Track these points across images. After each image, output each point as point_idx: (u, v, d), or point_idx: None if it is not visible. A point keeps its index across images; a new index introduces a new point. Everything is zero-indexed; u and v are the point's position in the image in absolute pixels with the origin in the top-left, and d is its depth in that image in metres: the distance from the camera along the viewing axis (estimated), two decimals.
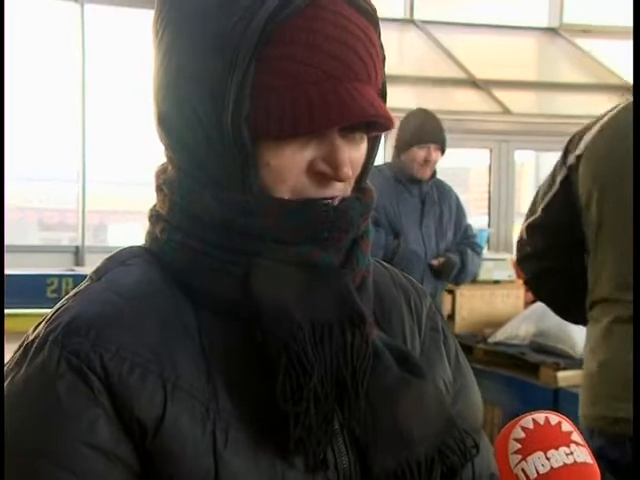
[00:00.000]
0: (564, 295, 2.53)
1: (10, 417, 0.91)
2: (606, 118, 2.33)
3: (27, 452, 0.90)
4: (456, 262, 4.33)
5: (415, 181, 4.30)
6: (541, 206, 2.43)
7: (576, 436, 0.93)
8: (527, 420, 0.93)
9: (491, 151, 6.63)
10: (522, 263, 2.58)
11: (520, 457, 0.91)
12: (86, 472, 0.89)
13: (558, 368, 4.22)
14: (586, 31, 7.95)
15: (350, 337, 0.96)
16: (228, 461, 0.92)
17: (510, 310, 5.17)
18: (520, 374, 4.45)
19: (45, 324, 0.95)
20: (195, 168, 0.98)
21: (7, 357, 1.00)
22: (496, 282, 5.31)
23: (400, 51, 7.39)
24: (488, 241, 6.20)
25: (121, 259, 1.02)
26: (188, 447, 0.91)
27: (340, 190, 0.98)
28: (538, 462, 0.90)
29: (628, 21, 6.99)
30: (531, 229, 2.48)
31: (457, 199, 4.51)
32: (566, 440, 0.91)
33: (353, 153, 0.98)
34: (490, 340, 4.86)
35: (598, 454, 2.19)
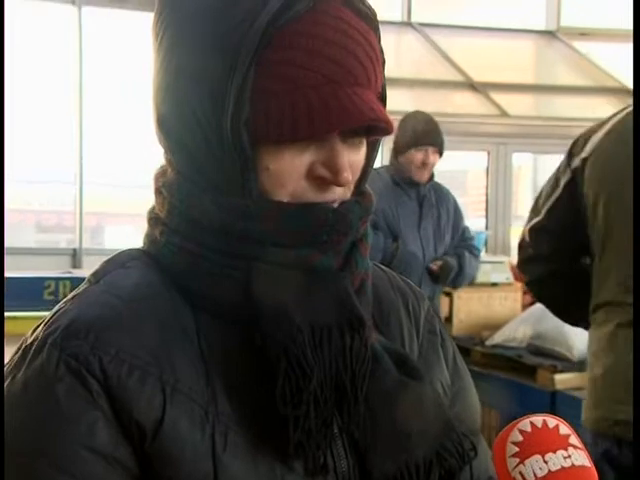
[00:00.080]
0: (566, 298, 2.53)
1: (10, 418, 0.91)
2: (613, 121, 2.33)
3: (27, 452, 0.90)
4: (453, 265, 4.33)
5: (413, 184, 4.30)
6: (544, 208, 2.43)
7: (574, 439, 0.92)
8: (525, 423, 0.93)
9: (489, 154, 6.63)
10: (524, 265, 2.58)
11: (518, 460, 0.91)
12: (85, 475, 0.89)
13: (555, 371, 4.22)
14: (584, 34, 7.96)
15: (349, 340, 0.96)
16: (227, 464, 0.92)
17: (507, 312, 5.17)
18: (517, 377, 4.45)
19: (44, 327, 0.95)
20: (194, 171, 0.97)
21: (5, 359, 1.00)
22: (494, 284, 5.31)
23: (398, 54, 7.39)
24: (486, 244, 6.21)
25: (120, 262, 1.02)
26: (187, 450, 0.91)
27: (340, 194, 0.98)
28: (536, 465, 0.90)
29: (626, 24, 7.01)
30: (534, 232, 2.47)
31: (455, 202, 4.52)
32: (564, 443, 0.91)
33: (353, 157, 0.98)
34: (487, 343, 4.86)
35: (604, 457, 2.19)
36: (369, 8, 0.98)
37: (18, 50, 6.26)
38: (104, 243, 7.48)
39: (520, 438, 0.92)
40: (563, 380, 4.19)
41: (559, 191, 2.40)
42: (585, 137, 2.37)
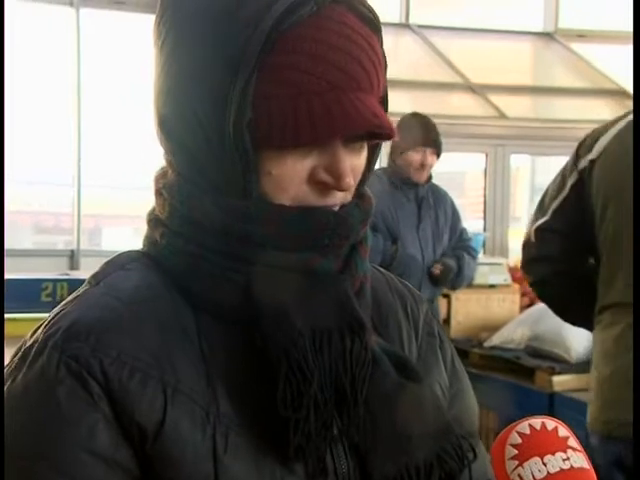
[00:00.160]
0: (570, 299, 2.53)
1: (10, 421, 0.91)
2: (623, 123, 2.32)
3: (27, 455, 0.90)
4: (453, 268, 4.34)
5: (411, 185, 4.30)
6: (551, 209, 2.43)
7: (573, 441, 0.92)
8: (523, 425, 0.93)
9: (487, 155, 6.64)
10: (528, 265, 2.58)
11: (517, 463, 0.91)
12: (86, 479, 0.89)
13: (553, 372, 4.22)
14: (581, 36, 7.97)
15: (349, 344, 0.96)
16: (228, 466, 0.91)
17: (506, 314, 5.17)
18: (515, 378, 4.45)
19: (44, 329, 0.95)
20: (195, 173, 0.97)
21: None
22: (492, 286, 5.31)
23: (396, 55, 7.38)
24: (484, 245, 6.21)
25: (119, 263, 1.02)
26: (188, 452, 0.91)
27: (340, 198, 0.98)
28: (535, 468, 0.90)
29: (623, 26, 7.02)
30: (540, 232, 2.47)
31: (452, 203, 4.52)
32: (563, 445, 0.91)
33: (354, 161, 0.98)
34: (486, 344, 4.86)
35: (613, 460, 2.19)
36: (372, 12, 0.98)
37: (16, 52, 6.25)
38: (102, 245, 7.48)
39: (519, 440, 0.92)
40: (561, 382, 4.19)
41: (566, 191, 2.40)
42: (592, 138, 2.37)
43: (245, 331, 0.95)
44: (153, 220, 1.03)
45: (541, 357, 4.46)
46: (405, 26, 7.56)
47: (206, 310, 0.97)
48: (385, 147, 4.55)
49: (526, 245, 2.55)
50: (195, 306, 0.97)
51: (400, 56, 7.41)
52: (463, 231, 4.56)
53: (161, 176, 1.03)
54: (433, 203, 4.40)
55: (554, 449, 0.91)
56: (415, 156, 4.23)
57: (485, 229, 6.55)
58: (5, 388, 0.93)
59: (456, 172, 7.66)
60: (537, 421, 0.93)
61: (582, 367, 4.24)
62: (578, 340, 4.35)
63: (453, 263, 4.35)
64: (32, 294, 5.07)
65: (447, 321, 5.10)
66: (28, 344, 0.95)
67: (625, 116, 2.36)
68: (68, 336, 0.92)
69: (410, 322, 1.15)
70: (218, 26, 0.93)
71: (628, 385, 2.17)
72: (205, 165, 0.96)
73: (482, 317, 5.17)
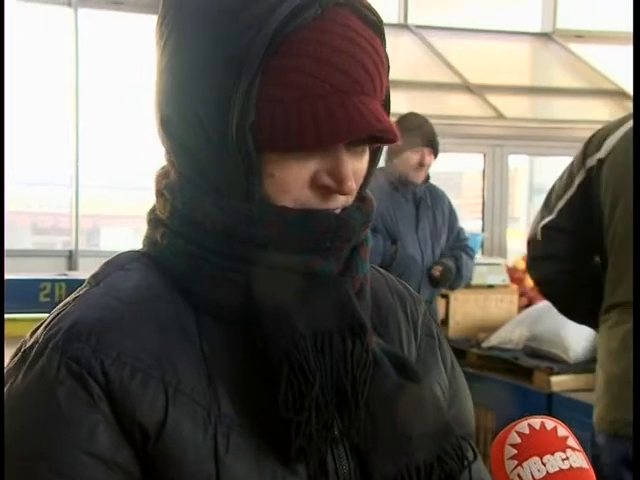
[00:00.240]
0: (576, 297, 2.54)
1: (10, 421, 0.91)
2: (631, 122, 2.32)
3: (27, 456, 0.89)
4: (453, 269, 4.34)
5: (409, 186, 4.30)
6: (557, 207, 2.43)
7: (572, 441, 0.93)
8: (523, 425, 0.93)
9: (485, 156, 6.63)
10: (534, 264, 2.58)
11: (516, 462, 0.91)
12: None
13: (552, 373, 4.22)
14: (579, 36, 7.96)
15: (350, 345, 0.96)
16: (229, 466, 0.92)
17: (504, 314, 5.17)
18: (514, 379, 4.45)
19: (44, 329, 0.95)
20: (196, 174, 0.97)
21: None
22: (490, 287, 5.31)
23: (394, 56, 7.32)
24: (482, 246, 6.21)
25: (119, 264, 1.02)
26: (189, 452, 0.91)
27: (342, 201, 0.98)
28: (534, 467, 0.90)
29: (621, 26, 7.01)
30: (547, 230, 2.48)
31: (449, 203, 4.52)
32: (562, 445, 0.91)
33: (356, 165, 0.98)
34: (484, 345, 4.86)
35: (621, 459, 2.19)
36: (375, 15, 0.98)
37: (14, 52, 6.25)
38: (100, 245, 7.48)
39: (518, 440, 0.92)
40: (559, 382, 4.19)
41: (573, 190, 2.40)
42: (600, 137, 2.37)
43: (246, 332, 0.95)
44: (153, 220, 1.03)
45: (539, 357, 4.46)
46: (403, 26, 7.56)
47: (206, 311, 0.97)
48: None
49: (531, 243, 2.55)
50: (195, 306, 0.97)
51: (398, 56, 7.41)
52: (460, 231, 4.56)
53: (162, 176, 1.03)
54: (431, 203, 4.40)
55: (553, 449, 0.91)
56: (413, 156, 4.23)
57: (483, 229, 6.55)
58: (5, 388, 0.93)
59: (454, 172, 7.66)
60: (536, 421, 0.93)
61: (580, 367, 4.26)
62: (576, 340, 4.35)
63: (452, 264, 4.35)
64: (30, 294, 5.06)
65: (445, 321, 5.10)
66: (28, 344, 0.95)
67: (631, 116, 2.36)
68: (69, 337, 0.92)
69: (409, 323, 1.15)
70: (221, 27, 0.92)
71: (632, 384, 2.17)
72: (206, 166, 0.96)
73: (480, 317, 5.17)
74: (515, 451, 0.91)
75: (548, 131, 6.50)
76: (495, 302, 5.25)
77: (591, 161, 2.36)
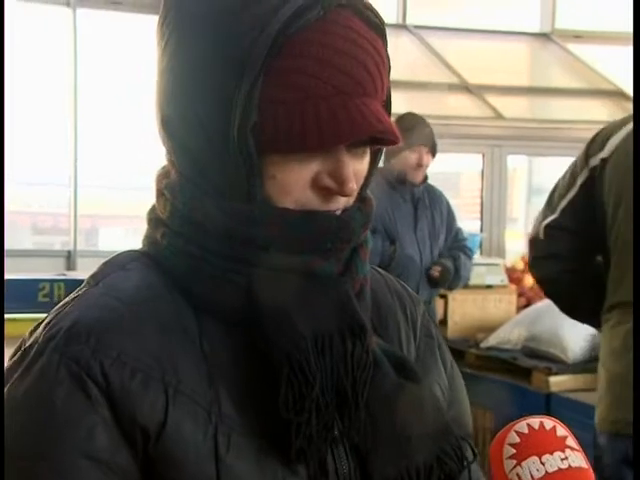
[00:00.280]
0: (578, 296, 2.54)
1: (10, 421, 0.91)
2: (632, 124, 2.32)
3: (27, 456, 0.89)
4: (451, 269, 4.34)
5: (407, 186, 4.30)
6: (560, 207, 2.44)
7: (571, 441, 0.93)
8: (522, 425, 0.93)
9: (483, 156, 6.63)
10: (536, 263, 2.58)
11: (515, 462, 0.91)
12: None
13: (550, 373, 4.23)
14: (578, 36, 7.97)
15: (351, 347, 0.96)
16: (230, 465, 0.92)
17: (502, 315, 5.17)
18: (512, 379, 4.45)
19: (43, 329, 0.95)
20: (197, 174, 0.97)
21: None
22: (488, 287, 5.31)
23: (393, 56, 7.34)
24: (480, 246, 6.21)
25: (119, 263, 1.01)
26: (190, 452, 0.91)
27: (343, 202, 0.98)
28: (533, 467, 0.90)
29: (620, 27, 7.00)
30: (549, 229, 2.48)
31: (447, 204, 4.52)
32: (561, 445, 0.92)
33: (357, 166, 0.98)
34: (482, 345, 4.86)
35: (623, 459, 2.19)
36: (377, 16, 0.98)
37: (12, 52, 6.25)
38: (98, 245, 7.47)
39: (517, 440, 0.92)
40: (558, 382, 4.19)
41: (576, 189, 2.40)
42: (603, 137, 2.37)
43: (246, 332, 0.95)
44: (154, 220, 1.03)
45: (538, 357, 4.46)
46: (402, 27, 7.56)
47: (207, 311, 0.97)
48: None
49: (534, 242, 2.55)
50: (196, 307, 0.97)
51: (397, 56, 7.40)
52: (459, 231, 4.56)
53: (163, 176, 1.03)
54: (429, 203, 4.40)
55: (552, 448, 0.91)
56: (411, 156, 4.22)
57: (482, 230, 6.55)
58: (5, 389, 0.93)
59: (453, 173, 7.66)
60: (535, 420, 0.93)
61: (579, 367, 4.26)
62: (575, 340, 4.35)
63: (450, 264, 4.35)
64: (29, 294, 5.06)
65: (444, 321, 5.09)
66: (28, 344, 0.95)
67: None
68: (69, 337, 0.92)
69: (409, 323, 1.15)
70: (223, 28, 0.92)
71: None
72: (207, 167, 0.96)
73: (479, 318, 5.17)
74: (514, 450, 0.91)
75: (547, 131, 6.50)
76: (493, 302, 5.25)
77: (594, 160, 2.36)
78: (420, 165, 4.26)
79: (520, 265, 5.74)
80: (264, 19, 0.91)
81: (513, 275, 5.58)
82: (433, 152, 4.30)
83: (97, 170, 7.00)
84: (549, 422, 0.94)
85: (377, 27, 0.98)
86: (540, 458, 0.90)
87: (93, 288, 0.99)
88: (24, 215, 7.46)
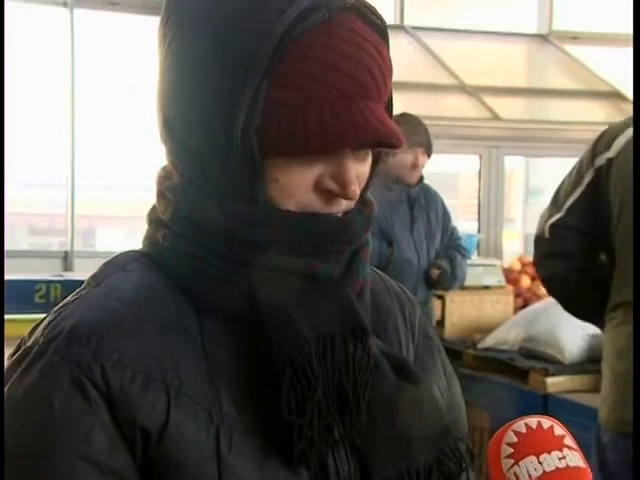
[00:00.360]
0: (583, 295, 2.54)
1: (10, 421, 0.91)
2: None
3: (27, 455, 0.89)
4: (449, 271, 4.34)
5: (403, 187, 4.30)
6: (566, 205, 2.44)
7: (569, 440, 0.93)
8: (519, 424, 0.93)
9: (481, 157, 6.64)
10: (541, 262, 2.58)
11: (512, 461, 0.91)
12: None
13: (547, 374, 4.22)
14: (575, 38, 7.97)
15: (352, 349, 0.96)
16: (232, 465, 0.92)
17: (499, 316, 5.17)
18: (509, 380, 4.45)
19: (44, 330, 0.95)
20: (199, 175, 0.97)
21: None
22: (486, 288, 5.31)
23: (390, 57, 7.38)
24: (478, 247, 6.21)
25: (119, 264, 1.01)
26: (192, 453, 0.91)
27: (345, 205, 0.98)
28: (530, 466, 0.90)
29: (617, 28, 7.01)
30: (555, 228, 2.48)
31: (442, 203, 4.51)
32: (558, 444, 0.92)
33: (359, 169, 0.98)
34: (479, 346, 4.86)
35: (627, 457, 2.19)
36: (380, 19, 0.98)
37: (9, 52, 6.25)
38: (95, 246, 7.47)
39: (515, 439, 0.92)
40: (555, 383, 4.19)
41: (582, 188, 2.41)
42: (609, 137, 2.37)
43: (247, 333, 0.95)
44: (154, 221, 1.02)
45: (535, 358, 4.46)
46: (399, 27, 7.56)
47: (207, 311, 0.97)
48: None
49: (539, 241, 2.55)
50: (196, 307, 0.97)
51: (394, 57, 7.39)
52: (454, 230, 4.56)
53: (164, 177, 1.02)
54: (425, 204, 4.39)
55: (550, 448, 0.91)
56: (407, 157, 4.21)
57: (479, 231, 6.55)
58: (5, 389, 0.93)
59: (450, 174, 7.67)
60: (533, 420, 0.93)
61: (576, 368, 4.25)
62: (572, 341, 4.35)
63: (447, 265, 4.35)
64: (26, 295, 5.06)
65: (441, 322, 5.09)
66: (28, 344, 0.95)
67: None
68: (70, 339, 0.92)
69: (407, 325, 1.15)
70: (226, 29, 0.92)
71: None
72: (209, 169, 0.96)
73: (476, 318, 5.17)
74: (512, 450, 0.91)
75: (544, 132, 6.51)
76: (491, 303, 5.25)
77: (600, 160, 2.37)
78: (416, 166, 4.25)
79: (517, 266, 5.74)
80: (269, 22, 0.91)
81: (510, 276, 5.58)
82: (429, 153, 4.29)
83: (94, 171, 6.99)
84: (547, 421, 0.94)
85: (380, 30, 0.98)
86: (538, 457, 0.90)
87: (94, 289, 0.99)
88: (21, 216, 7.46)
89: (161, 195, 1.02)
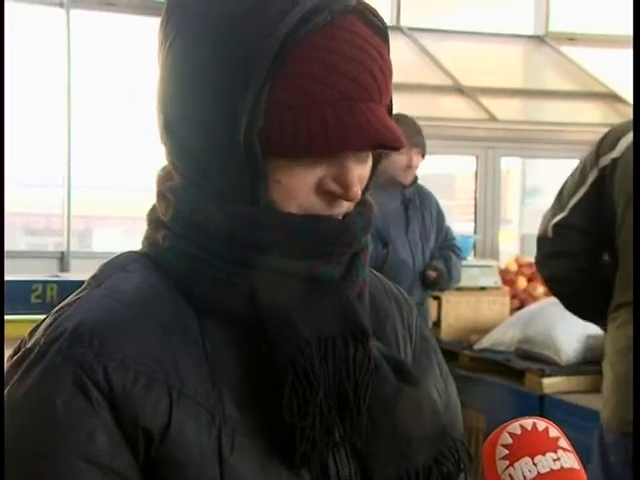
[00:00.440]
0: (586, 295, 2.54)
1: (10, 422, 0.90)
2: None
3: (28, 456, 0.89)
4: (445, 272, 4.33)
5: (398, 188, 4.29)
6: (569, 205, 2.44)
7: (563, 442, 0.93)
8: (514, 426, 0.93)
9: (477, 158, 6.64)
10: (544, 261, 2.58)
11: (507, 463, 0.91)
12: None
13: (543, 375, 4.23)
14: (572, 39, 7.98)
15: (353, 351, 0.96)
16: (234, 466, 0.92)
17: (496, 316, 5.17)
18: (506, 380, 4.45)
19: (45, 331, 0.94)
20: (199, 176, 0.97)
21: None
22: (482, 288, 5.31)
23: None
24: (474, 248, 6.22)
25: (119, 265, 1.01)
26: (194, 454, 0.91)
27: (346, 207, 0.98)
28: (525, 468, 0.90)
29: (614, 29, 7.02)
30: (558, 228, 2.48)
31: (437, 203, 4.51)
32: (553, 446, 0.92)
33: (360, 170, 0.98)
34: (476, 346, 4.86)
35: (626, 455, 2.20)
36: (381, 21, 0.98)
37: (6, 53, 6.24)
38: (92, 246, 7.46)
39: (510, 441, 0.92)
40: (551, 384, 4.19)
41: (585, 188, 2.41)
42: (614, 137, 2.37)
43: (248, 334, 0.95)
44: (154, 221, 1.02)
45: (531, 359, 4.46)
46: (396, 28, 7.56)
47: (208, 312, 0.97)
48: None
49: (542, 241, 2.55)
50: (197, 308, 0.97)
51: (391, 58, 7.41)
52: (448, 230, 4.56)
53: (164, 178, 1.02)
54: (419, 204, 4.39)
55: (545, 449, 0.91)
56: (401, 158, 4.19)
57: (476, 231, 6.55)
58: (5, 390, 0.93)
59: (446, 175, 7.67)
60: (528, 421, 0.93)
61: (572, 369, 4.26)
62: (568, 342, 4.35)
63: (443, 266, 4.34)
64: (22, 295, 5.06)
65: (438, 323, 5.10)
66: (28, 346, 0.95)
67: None
68: (72, 340, 0.91)
69: (405, 327, 1.15)
70: (229, 30, 0.92)
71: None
72: (209, 169, 0.96)
73: (472, 319, 5.17)
74: (507, 451, 0.92)
75: (540, 133, 6.51)
76: (487, 304, 5.25)
77: (605, 160, 2.37)
78: (410, 167, 4.24)
79: (514, 267, 5.75)
80: (272, 23, 0.91)
81: (506, 277, 5.58)
82: (423, 153, 4.28)
83: (91, 171, 6.99)
84: (542, 423, 0.94)
85: (381, 32, 0.98)
86: (532, 459, 0.90)
87: (94, 290, 0.99)
88: (17, 216, 7.45)
89: (161, 196, 1.01)
